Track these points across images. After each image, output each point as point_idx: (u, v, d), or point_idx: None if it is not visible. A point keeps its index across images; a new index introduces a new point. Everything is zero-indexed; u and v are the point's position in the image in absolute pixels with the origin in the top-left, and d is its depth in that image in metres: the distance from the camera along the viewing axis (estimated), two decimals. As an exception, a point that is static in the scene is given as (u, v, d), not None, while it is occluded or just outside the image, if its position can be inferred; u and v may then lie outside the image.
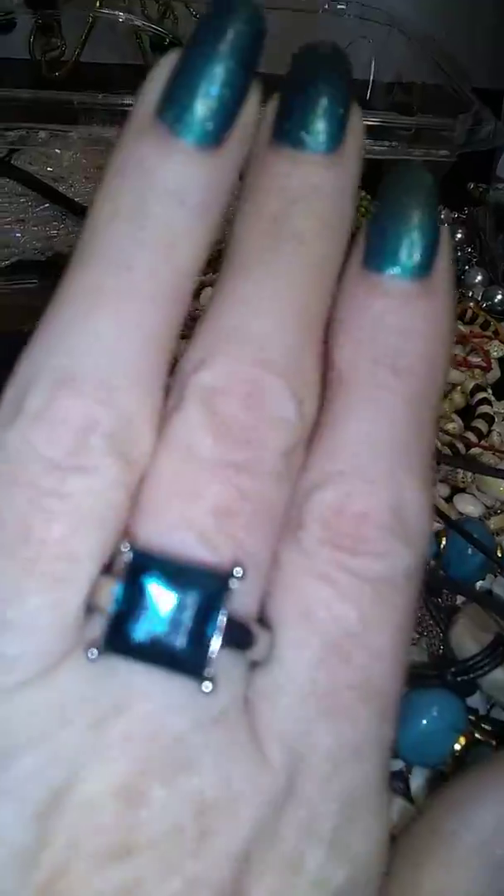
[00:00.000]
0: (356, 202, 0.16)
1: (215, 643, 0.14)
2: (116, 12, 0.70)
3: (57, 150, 0.58)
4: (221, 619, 0.14)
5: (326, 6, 0.71)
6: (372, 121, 0.51)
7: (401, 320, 0.15)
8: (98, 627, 0.14)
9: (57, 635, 0.14)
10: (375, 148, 0.50)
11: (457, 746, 0.31)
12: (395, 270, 0.15)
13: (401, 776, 0.32)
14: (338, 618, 0.14)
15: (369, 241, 0.15)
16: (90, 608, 0.14)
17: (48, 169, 0.59)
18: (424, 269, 0.15)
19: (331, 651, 0.14)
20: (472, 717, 0.33)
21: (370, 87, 0.73)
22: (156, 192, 0.15)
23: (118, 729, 0.13)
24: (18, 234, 0.57)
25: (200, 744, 0.14)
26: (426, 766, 0.32)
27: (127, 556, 0.14)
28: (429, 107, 0.62)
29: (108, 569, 0.14)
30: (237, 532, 0.14)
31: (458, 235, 0.64)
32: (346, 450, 0.15)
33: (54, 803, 0.13)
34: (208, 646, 0.14)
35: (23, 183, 0.58)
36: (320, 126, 0.15)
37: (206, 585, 0.14)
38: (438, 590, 0.38)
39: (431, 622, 0.36)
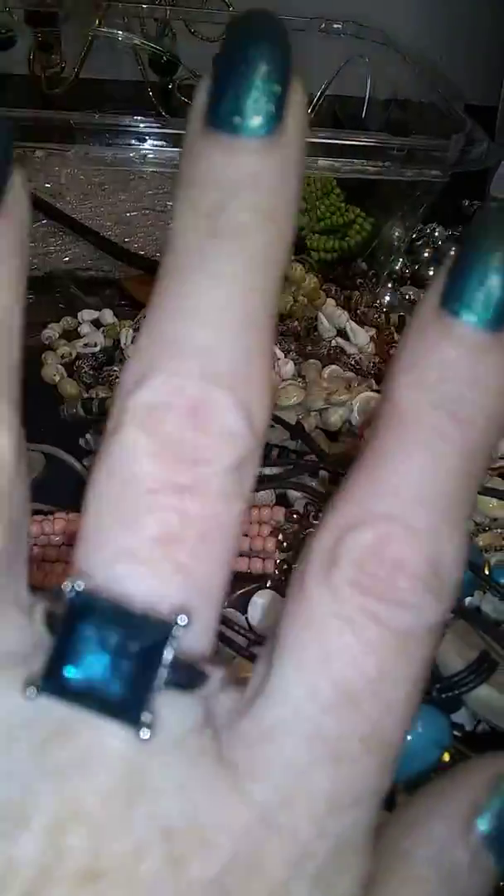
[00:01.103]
0: (301, 188, 0.14)
1: (153, 691, 0.13)
2: (116, 31, 0.71)
3: (56, 168, 0.59)
4: (162, 667, 0.13)
5: (323, 25, 0.71)
6: (365, 141, 0.52)
7: (470, 370, 0.14)
8: (39, 662, 0.13)
9: None
10: (369, 168, 0.51)
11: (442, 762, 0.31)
12: (472, 318, 0.14)
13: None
14: (356, 666, 0.14)
15: (449, 282, 0.15)
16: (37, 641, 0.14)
17: (46, 185, 0.60)
18: (501, 322, 0.14)
19: (343, 698, 0.14)
20: (457, 733, 0.34)
21: (366, 104, 0.74)
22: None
23: (65, 752, 0.13)
24: (16, 250, 0.58)
25: (156, 770, 0.13)
26: (410, 782, 0.32)
27: (69, 595, 0.13)
28: (424, 125, 0.62)
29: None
30: (183, 559, 0.14)
31: (452, 253, 0.64)
32: (392, 491, 0.14)
33: (16, 826, 0.13)
34: (146, 694, 0.13)
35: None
36: (255, 108, 0.13)
37: (146, 633, 0.13)
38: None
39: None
